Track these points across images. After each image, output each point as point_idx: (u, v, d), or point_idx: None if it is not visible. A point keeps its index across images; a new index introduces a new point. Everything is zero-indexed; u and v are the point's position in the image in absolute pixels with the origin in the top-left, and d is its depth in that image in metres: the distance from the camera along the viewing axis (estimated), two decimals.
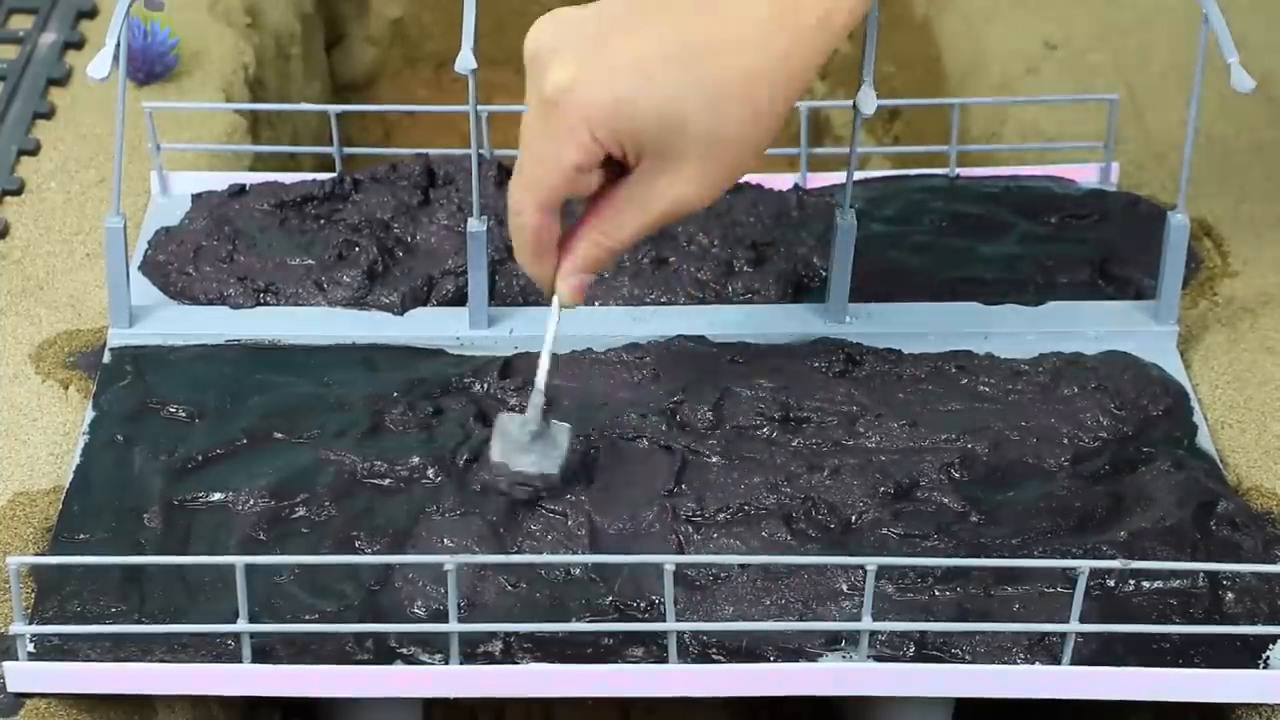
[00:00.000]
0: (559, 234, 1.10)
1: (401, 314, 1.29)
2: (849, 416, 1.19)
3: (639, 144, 1.05)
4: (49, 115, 1.49)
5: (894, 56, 1.80)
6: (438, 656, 1.06)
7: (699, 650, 1.07)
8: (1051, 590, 1.08)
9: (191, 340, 1.26)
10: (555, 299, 1.11)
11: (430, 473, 1.15)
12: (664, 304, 1.30)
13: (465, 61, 1.12)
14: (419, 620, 1.08)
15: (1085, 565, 1.03)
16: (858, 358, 1.24)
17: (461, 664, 1.05)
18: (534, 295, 1.30)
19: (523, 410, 1.13)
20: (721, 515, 1.13)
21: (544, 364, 1.11)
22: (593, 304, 1.29)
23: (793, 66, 1.04)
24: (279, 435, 1.19)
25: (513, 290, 1.30)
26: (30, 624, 1.05)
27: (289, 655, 1.05)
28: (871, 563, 1.02)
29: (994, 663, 1.06)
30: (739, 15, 1.03)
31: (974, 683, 1.06)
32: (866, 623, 1.04)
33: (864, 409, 1.20)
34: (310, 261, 1.31)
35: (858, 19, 1.05)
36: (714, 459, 1.16)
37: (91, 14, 1.62)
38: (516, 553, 1.11)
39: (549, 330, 1.11)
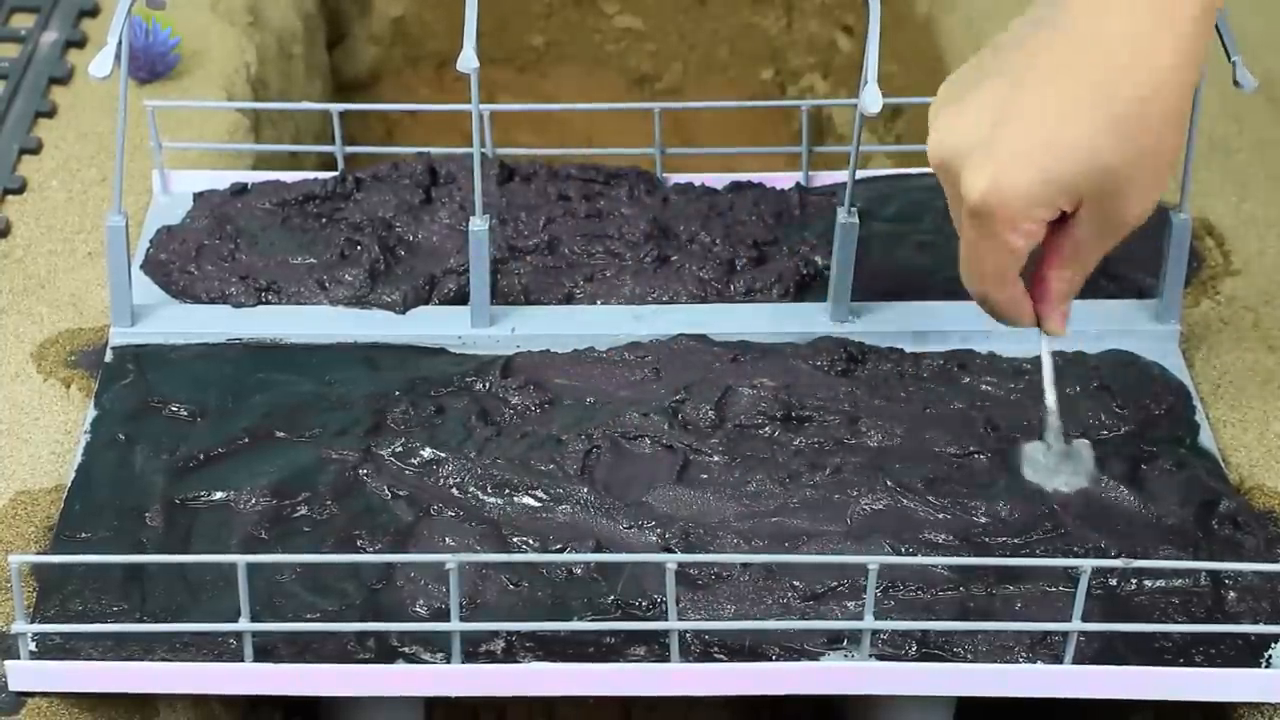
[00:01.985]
0: (1027, 300, 1.11)
1: (403, 313, 1.29)
2: (851, 415, 1.19)
3: (1075, 200, 1.05)
4: (51, 114, 1.49)
5: (896, 55, 1.80)
6: (439, 655, 1.06)
7: (701, 649, 1.07)
8: (1053, 589, 1.09)
9: (193, 339, 1.26)
10: (1043, 336, 1.13)
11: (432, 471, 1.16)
12: (666, 303, 1.30)
13: (467, 60, 1.12)
14: (421, 619, 1.08)
15: (1087, 564, 1.03)
16: (860, 356, 1.24)
17: (463, 663, 1.05)
18: (535, 294, 1.30)
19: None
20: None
21: (1049, 388, 1.14)
22: (594, 302, 1.29)
23: (1185, 76, 1.03)
24: (280, 434, 1.19)
25: (514, 289, 1.30)
26: (32, 623, 1.05)
27: (290, 654, 1.05)
28: (872, 562, 1.02)
29: (996, 662, 1.06)
30: (1122, 49, 1.03)
31: (976, 682, 1.06)
32: (868, 622, 1.04)
33: (866, 408, 1.20)
34: (312, 260, 1.31)
35: None
36: (716, 458, 1.16)
37: (93, 12, 1.62)
38: (519, 551, 1.11)
39: (1046, 362, 1.14)
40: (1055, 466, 1.15)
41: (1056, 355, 1.24)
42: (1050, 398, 1.14)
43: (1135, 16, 1.02)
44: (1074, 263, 1.10)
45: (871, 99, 1.12)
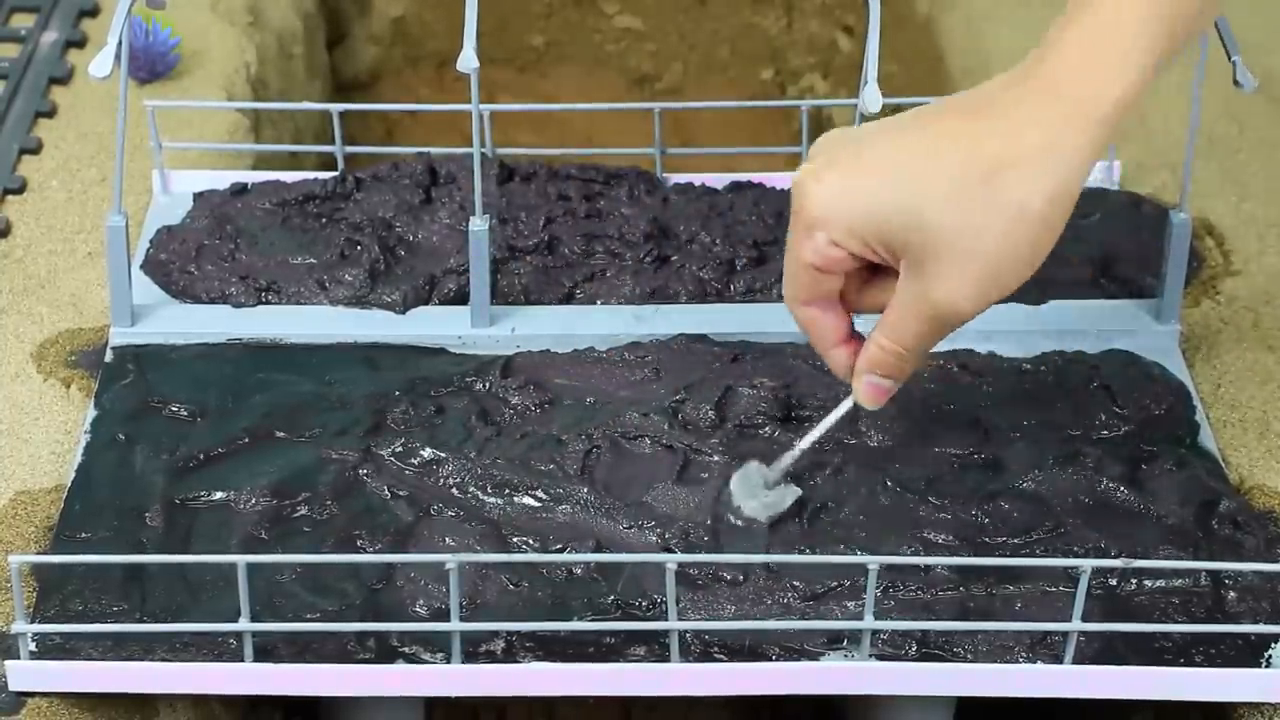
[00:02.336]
0: (843, 329, 1.06)
1: (403, 313, 1.29)
2: (850, 415, 1.19)
3: (889, 245, 1.00)
4: (51, 114, 1.50)
5: (896, 55, 1.80)
6: (439, 655, 1.06)
7: (701, 649, 1.07)
8: (1053, 589, 1.08)
9: (193, 339, 1.26)
10: (845, 401, 1.09)
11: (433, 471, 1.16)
12: (666, 303, 1.30)
13: (467, 60, 1.12)
14: (421, 619, 1.07)
15: (1087, 564, 1.03)
16: None
17: (463, 663, 1.05)
18: (535, 294, 1.30)
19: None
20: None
21: (817, 432, 1.11)
22: (594, 302, 1.29)
23: (1062, 186, 0.97)
24: (280, 434, 1.19)
25: (514, 289, 1.30)
26: (32, 623, 1.05)
27: (290, 654, 1.05)
28: (872, 562, 1.02)
29: (996, 662, 1.06)
30: (1023, 124, 0.97)
31: (976, 682, 1.06)
32: (868, 622, 1.04)
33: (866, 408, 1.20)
34: (312, 260, 1.31)
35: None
36: (716, 458, 1.16)
37: (93, 12, 1.62)
38: (519, 551, 1.11)
39: (826, 419, 1.11)
40: (757, 493, 1.12)
41: (1056, 355, 1.24)
42: (806, 443, 1.11)
43: (1047, 109, 0.97)
44: (889, 329, 1.03)
45: (871, 98, 1.12)
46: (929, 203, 0.97)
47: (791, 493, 1.13)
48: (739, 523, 1.12)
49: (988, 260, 0.98)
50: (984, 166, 0.97)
